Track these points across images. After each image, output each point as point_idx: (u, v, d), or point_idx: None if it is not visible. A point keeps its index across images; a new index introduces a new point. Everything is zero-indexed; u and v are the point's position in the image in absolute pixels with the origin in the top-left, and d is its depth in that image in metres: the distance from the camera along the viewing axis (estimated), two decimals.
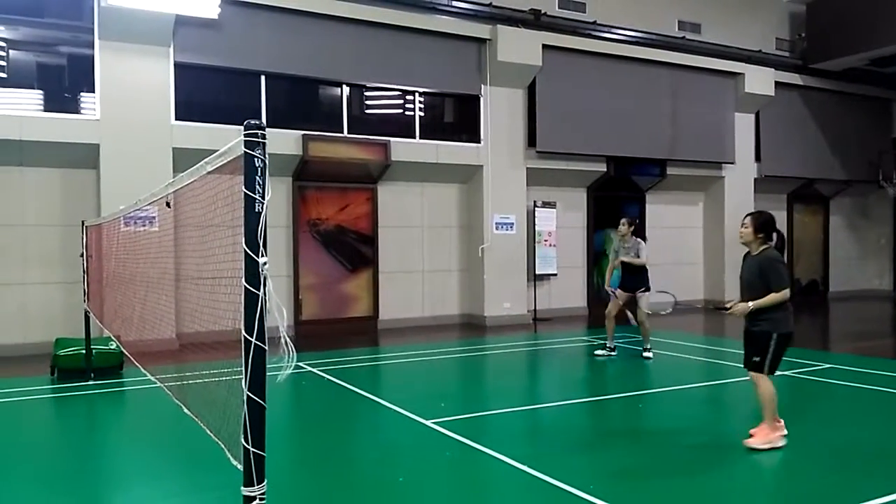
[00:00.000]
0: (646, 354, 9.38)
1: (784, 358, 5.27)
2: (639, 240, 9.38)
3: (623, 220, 9.60)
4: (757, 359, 5.23)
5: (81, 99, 10.50)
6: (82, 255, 8.58)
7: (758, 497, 4.40)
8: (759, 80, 16.08)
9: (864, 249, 19.96)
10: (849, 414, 6.48)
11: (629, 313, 9.37)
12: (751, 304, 5.17)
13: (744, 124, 16.41)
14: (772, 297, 5.11)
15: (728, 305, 5.44)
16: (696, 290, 16.60)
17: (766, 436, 5.23)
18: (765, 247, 5.29)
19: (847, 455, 5.21)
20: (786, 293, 5.13)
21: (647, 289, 9.34)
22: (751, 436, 5.28)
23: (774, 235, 5.33)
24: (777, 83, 16.43)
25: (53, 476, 4.96)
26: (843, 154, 18.12)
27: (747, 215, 5.44)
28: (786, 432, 5.31)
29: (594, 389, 8.01)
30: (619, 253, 9.48)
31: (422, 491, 4.60)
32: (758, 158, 16.84)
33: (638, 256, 9.28)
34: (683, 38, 15.33)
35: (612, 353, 9.54)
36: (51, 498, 4.49)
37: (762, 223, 5.29)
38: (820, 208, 18.97)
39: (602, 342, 9.71)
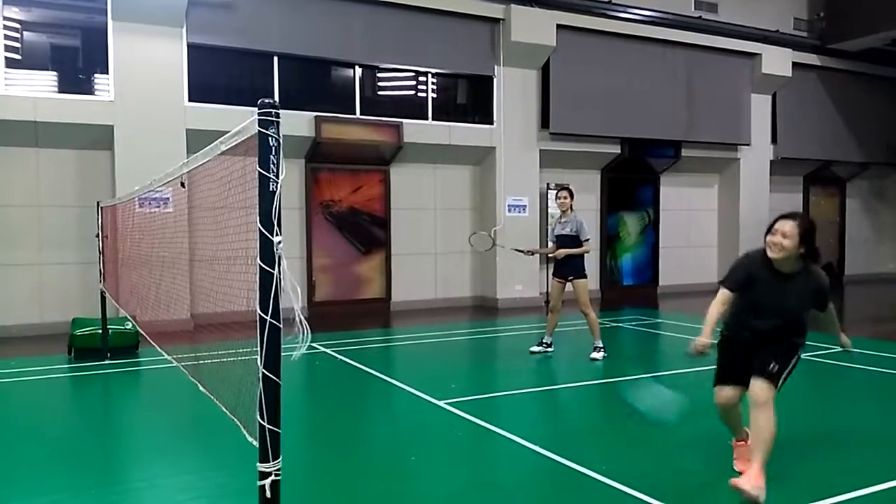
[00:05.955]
0: (594, 355, 8.00)
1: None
2: (578, 215, 8.10)
3: (561, 190, 8.13)
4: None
5: (95, 80, 10.54)
6: (98, 236, 8.66)
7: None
8: (777, 61, 15.88)
9: (880, 232, 19.76)
10: (863, 397, 6.46)
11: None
12: None
13: (760, 105, 16.22)
14: None
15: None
16: (709, 273, 16.51)
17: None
18: None
19: (859, 438, 5.20)
20: None
21: (584, 275, 8.00)
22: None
23: None
24: (794, 64, 16.21)
25: (71, 453, 5.04)
26: (860, 136, 17.90)
27: None
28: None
29: (606, 372, 8.01)
30: (556, 230, 8.14)
31: (433, 470, 4.63)
32: (774, 140, 16.66)
33: (579, 237, 7.94)
34: (700, 17, 15.12)
35: (549, 350, 8.34)
36: (68, 475, 4.56)
37: None
38: (836, 190, 18.77)
39: (613, 324, 9.65)
